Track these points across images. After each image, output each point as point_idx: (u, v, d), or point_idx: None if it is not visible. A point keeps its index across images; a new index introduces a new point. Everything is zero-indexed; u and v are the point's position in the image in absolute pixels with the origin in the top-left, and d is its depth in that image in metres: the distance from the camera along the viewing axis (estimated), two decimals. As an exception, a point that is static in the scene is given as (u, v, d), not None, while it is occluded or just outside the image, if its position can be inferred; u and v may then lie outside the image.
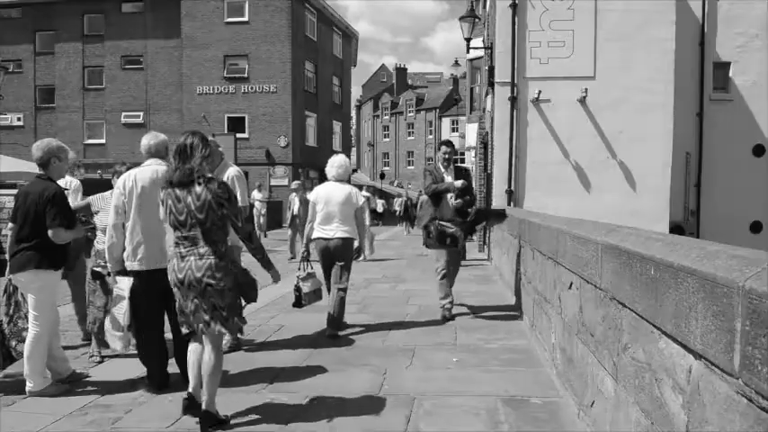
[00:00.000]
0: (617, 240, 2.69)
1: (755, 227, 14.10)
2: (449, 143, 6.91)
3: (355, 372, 4.54)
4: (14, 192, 6.52)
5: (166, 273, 3.72)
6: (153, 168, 4.15)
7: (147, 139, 4.29)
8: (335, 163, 5.99)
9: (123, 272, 4.10)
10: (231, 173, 5.14)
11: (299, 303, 5.54)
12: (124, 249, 4.08)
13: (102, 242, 4.85)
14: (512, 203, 11.42)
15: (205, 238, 3.38)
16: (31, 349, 3.96)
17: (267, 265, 3.83)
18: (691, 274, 1.80)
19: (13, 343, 4.11)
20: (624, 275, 2.52)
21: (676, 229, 12.93)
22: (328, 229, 5.65)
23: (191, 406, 3.55)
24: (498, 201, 11.55)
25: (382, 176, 51.68)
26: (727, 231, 12.74)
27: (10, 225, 4.24)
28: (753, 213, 13.98)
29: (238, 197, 4.97)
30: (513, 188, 11.57)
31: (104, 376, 4.46)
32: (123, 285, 4.07)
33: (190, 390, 3.59)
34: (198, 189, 3.37)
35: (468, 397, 3.93)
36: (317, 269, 5.84)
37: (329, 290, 5.81)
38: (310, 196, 5.98)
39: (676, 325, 1.91)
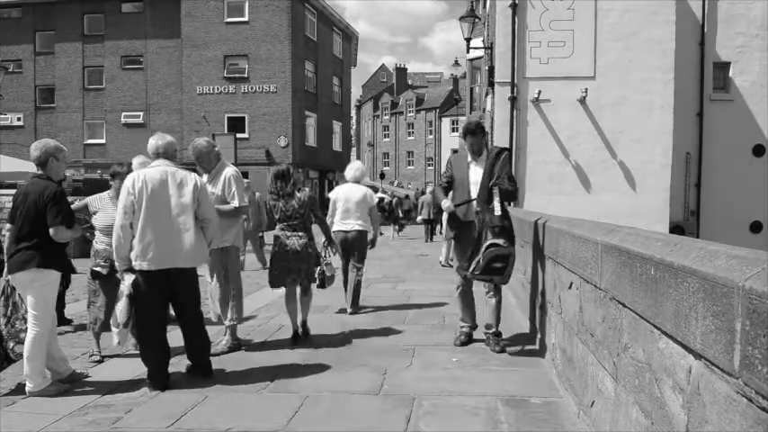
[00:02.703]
0: (617, 240, 2.69)
1: (755, 227, 14.11)
2: (473, 131, 5.11)
3: (355, 372, 4.54)
4: (14, 192, 6.53)
5: (173, 273, 4.14)
6: (162, 169, 4.18)
7: (156, 140, 4.32)
8: (353, 167, 7.02)
9: (131, 270, 4.12)
10: (228, 173, 5.13)
11: (322, 285, 6.09)
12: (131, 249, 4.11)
13: (101, 242, 4.86)
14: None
15: (302, 225, 5.36)
16: (32, 349, 3.95)
17: (331, 242, 5.94)
18: (691, 274, 1.80)
19: (11, 344, 4.11)
20: (624, 275, 2.52)
21: (676, 229, 12.94)
22: (347, 223, 6.67)
23: (296, 338, 5.43)
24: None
25: (382, 176, 51.71)
26: (727, 231, 12.75)
27: (8, 226, 4.24)
28: (753, 213, 13.98)
29: (236, 197, 5.01)
30: (513, 188, 11.56)
31: (104, 376, 4.46)
32: (128, 283, 4.09)
33: (294, 327, 5.47)
34: (299, 195, 5.35)
35: (467, 397, 3.93)
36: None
37: (345, 273, 6.86)
38: (331, 195, 6.97)
39: (676, 325, 1.91)
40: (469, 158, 5.20)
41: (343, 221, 6.66)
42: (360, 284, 6.89)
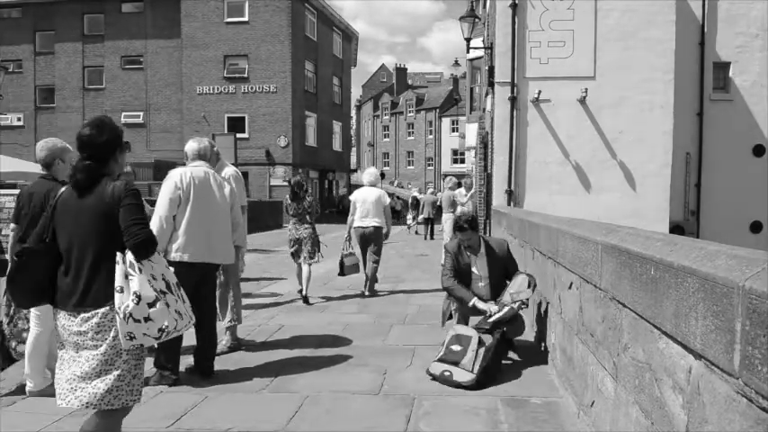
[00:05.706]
0: (617, 240, 2.69)
1: (755, 227, 14.09)
2: (462, 228, 5.00)
3: (355, 372, 4.55)
4: (14, 192, 6.51)
5: (204, 267, 4.32)
6: (203, 170, 4.46)
7: (197, 143, 4.65)
8: (369, 172, 8.37)
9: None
10: (228, 173, 5.15)
11: (341, 272, 7.85)
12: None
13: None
14: (512, 203, 11.42)
15: (308, 219, 7.28)
16: (33, 349, 3.95)
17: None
18: (691, 274, 1.80)
19: (13, 344, 4.11)
20: (624, 275, 2.52)
21: (676, 229, 12.92)
22: (365, 221, 7.84)
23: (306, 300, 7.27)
24: (498, 201, 11.55)
25: (382, 176, 51.72)
26: (727, 231, 12.73)
27: (12, 226, 4.24)
28: (753, 213, 13.96)
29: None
30: (512, 188, 11.56)
31: (104, 376, 4.45)
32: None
33: (304, 293, 7.30)
34: (308, 198, 7.34)
35: (468, 397, 3.93)
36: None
37: (365, 263, 8.03)
38: (351, 197, 8.19)
39: (676, 325, 1.91)
40: (467, 254, 5.08)
41: (362, 219, 7.85)
42: (376, 272, 8.02)
